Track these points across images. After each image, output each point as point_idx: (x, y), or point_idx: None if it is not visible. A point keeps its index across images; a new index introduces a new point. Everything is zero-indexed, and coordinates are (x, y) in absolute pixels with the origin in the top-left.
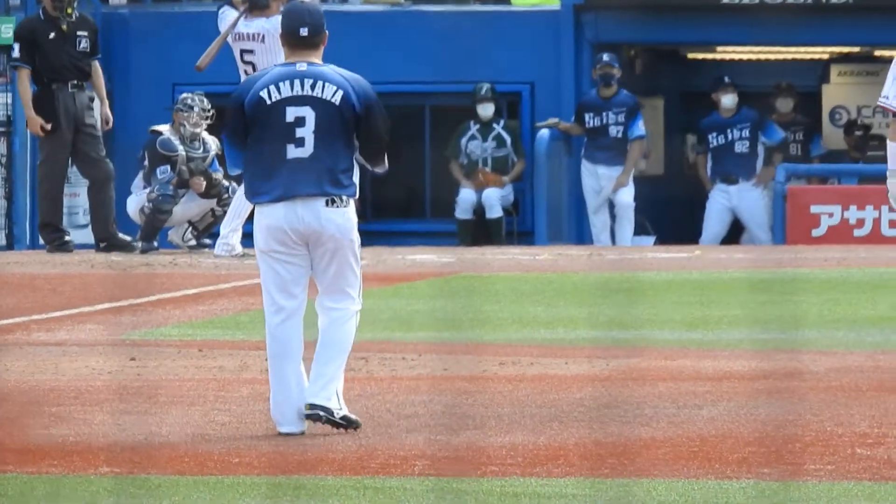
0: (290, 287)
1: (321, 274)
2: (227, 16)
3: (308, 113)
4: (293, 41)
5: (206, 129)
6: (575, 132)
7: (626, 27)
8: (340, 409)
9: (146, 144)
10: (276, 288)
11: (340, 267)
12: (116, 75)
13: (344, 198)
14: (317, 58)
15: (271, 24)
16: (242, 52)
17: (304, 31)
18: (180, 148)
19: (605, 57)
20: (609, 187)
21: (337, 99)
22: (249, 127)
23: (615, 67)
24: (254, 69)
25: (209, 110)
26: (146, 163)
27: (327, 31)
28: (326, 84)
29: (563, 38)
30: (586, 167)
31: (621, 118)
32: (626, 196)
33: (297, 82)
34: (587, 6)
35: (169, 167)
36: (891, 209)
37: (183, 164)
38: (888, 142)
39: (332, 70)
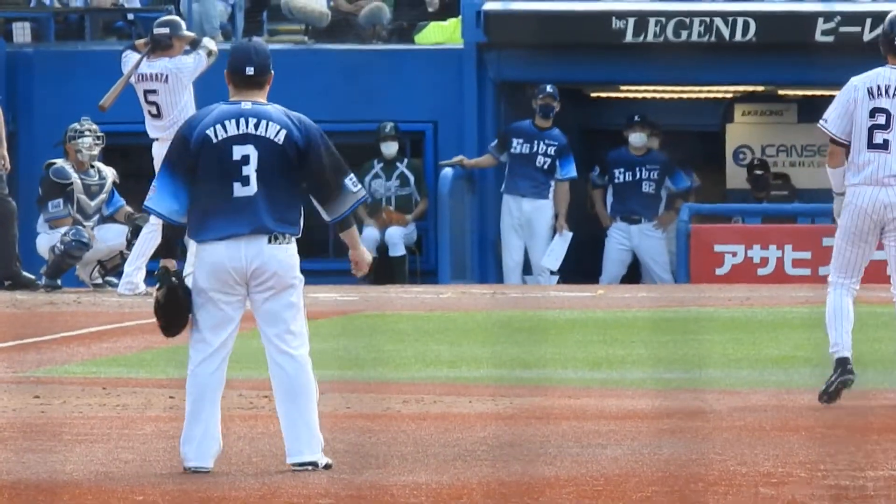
0: (221, 324)
1: (263, 311)
2: (130, 58)
3: (251, 151)
4: (238, 80)
5: (99, 159)
6: (485, 165)
7: (529, 66)
8: (323, 458)
9: (41, 179)
10: (207, 325)
11: (283, 305)
12: (21, 114)
13: (287, 235)
14: (261, 96)
15: (174, 65)
16: (146, 92)
17: (249, 70)
18: (74, 176)
19: (549, 88)
20: (540, 222)
21: (280, 138)
22: (195, 165)
23: (556, 100)
24: (157, 109)
25: (99, 133)
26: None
27: (273, 71)
28: (270, 123)
29: (466, 76)
30: (509, 202)
31: (551, 151)
32: (551, 262)
33: (241, 121)
34: (490, 45)
35: (61, 201)
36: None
37: (80, 192)
38: (827, 167)
39: (276, 109)
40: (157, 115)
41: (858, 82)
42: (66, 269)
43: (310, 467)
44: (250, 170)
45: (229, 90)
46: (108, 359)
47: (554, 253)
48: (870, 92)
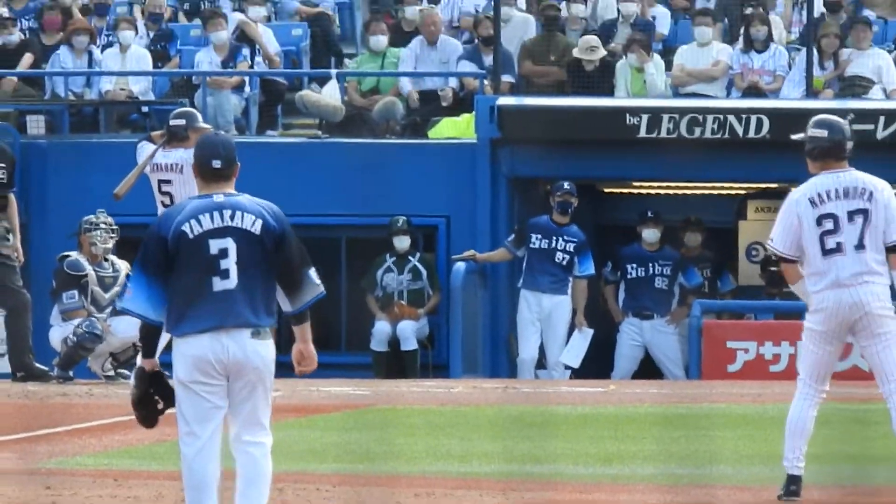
0: (209, 415)
1: (239, 405)
2: (146, 149)
3: (230, 244)
4: (207, 173)
5: (113, 251)
6: (498, 259)
7: (543, 162)
8: None
9: (55, 271)
10: (195, 418)
11: (259, 399)
12: (34, 206)
13: (267, 329)
14: (230, 188)
15: (190, 155)
16: (160, 182)
17: (216, 164)
18: (88, 268)
19: (566, 185)
20: (560, 317)
21: (257, 228)
22: (172, 261)
23: (574, 196)
24: (171, 200)
25: (114, 226)
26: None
27: (239, 163)
28: (245, 214)
29: (479, 171)
30: (527, 297)
31: (570, 248)
32: (572, 360)
33: (216, 214)
34: (503, 140)
35: (76, 292)
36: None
37: (94, 284)
38: (790, 286)
39: (248, 199)
40: (170, 206)
41: (798, 195)
42: (79, 361)
43: None
44: (229, 262)
45: (197, 184)
46: (119, 451)
47: (574, 349)
48: (812, 202)
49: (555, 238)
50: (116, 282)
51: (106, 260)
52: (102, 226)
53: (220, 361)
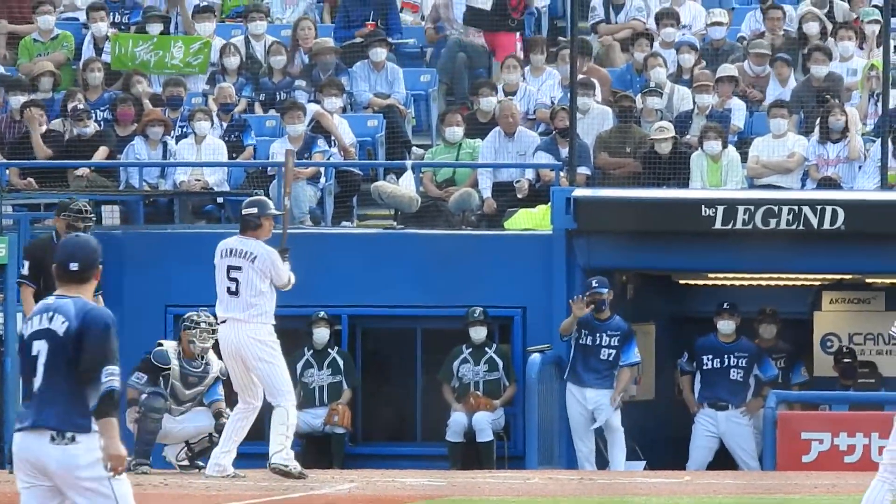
0: None
1: None
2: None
3: (42, 346)
4: (62, 274)
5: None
6: (567, 325)
7: (618, 253)
8: None
9: (143, 356)
10: None
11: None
12: (109, 297)
13: (69, 434)
14: (85, 291)
15: (267, 252)
16: (230, 268)
17: (73, 266)
18: (174, 362)
19: (594, 283)
20: (604, 414)
21: (62, 330)
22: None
23: (604, 293)
24: (237, 287)
25: (214, 326)
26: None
27: (101, 266)
28: (57, 315)
29: (555, 262)
30: (572, 391)
31: (615, 342)
32: (615, 420)
33: (43, 316)
34: (579, 231)
35: (147, 378)
36: None
37: (175, 379)
38: None
39: (74, 303)
40: (235, 293)
41: None
42: (154, 435)
43: None
44: (40, 364)
45: (57, 285)
46: None
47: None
48: None
49: (598, 335)
50: (202, 382)
51: (201, 357)
52: (203, 325)
53: (28, 462)
